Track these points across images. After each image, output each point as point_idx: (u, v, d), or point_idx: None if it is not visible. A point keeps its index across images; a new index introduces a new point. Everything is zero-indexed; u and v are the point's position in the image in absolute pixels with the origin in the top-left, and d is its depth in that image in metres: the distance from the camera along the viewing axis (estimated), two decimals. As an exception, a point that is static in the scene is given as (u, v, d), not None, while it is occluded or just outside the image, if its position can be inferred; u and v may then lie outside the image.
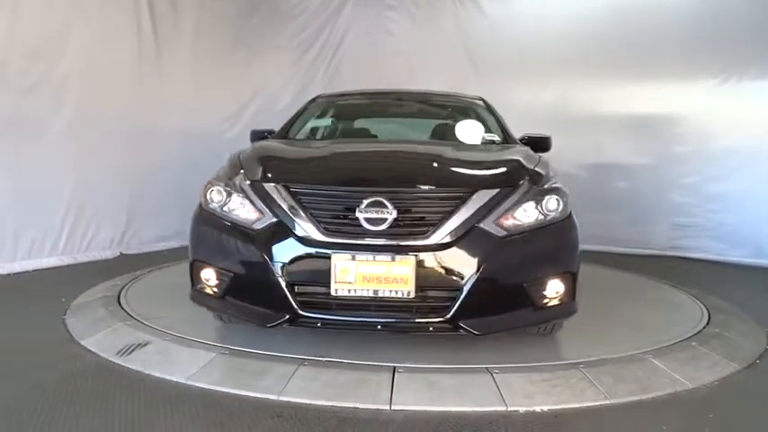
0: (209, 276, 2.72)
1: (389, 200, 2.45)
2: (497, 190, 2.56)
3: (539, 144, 3.64)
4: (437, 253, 2.42)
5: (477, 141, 3.69)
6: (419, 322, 2.50)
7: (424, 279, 2.42)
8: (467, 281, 2.40)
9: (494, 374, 2.50)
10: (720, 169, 5.77)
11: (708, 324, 3.38)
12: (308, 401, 2.30)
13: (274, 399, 2.32)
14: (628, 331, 3.21)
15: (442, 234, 2.43)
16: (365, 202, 2.44)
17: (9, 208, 4.53)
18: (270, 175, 2.71)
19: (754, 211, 5.60)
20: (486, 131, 3.86)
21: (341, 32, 7.45)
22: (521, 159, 2.96)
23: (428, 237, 2.43)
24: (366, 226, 2.44)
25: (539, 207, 2.58)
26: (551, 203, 2.60)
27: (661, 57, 5.88)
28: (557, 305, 2.58)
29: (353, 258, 2.41)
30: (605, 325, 3.35)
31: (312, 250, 2.46)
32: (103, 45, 5.10)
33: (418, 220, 2.48)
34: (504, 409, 2.28)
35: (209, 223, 2.74)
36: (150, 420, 2.13)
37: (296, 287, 2.51)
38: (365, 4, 7.41)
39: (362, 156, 3.13)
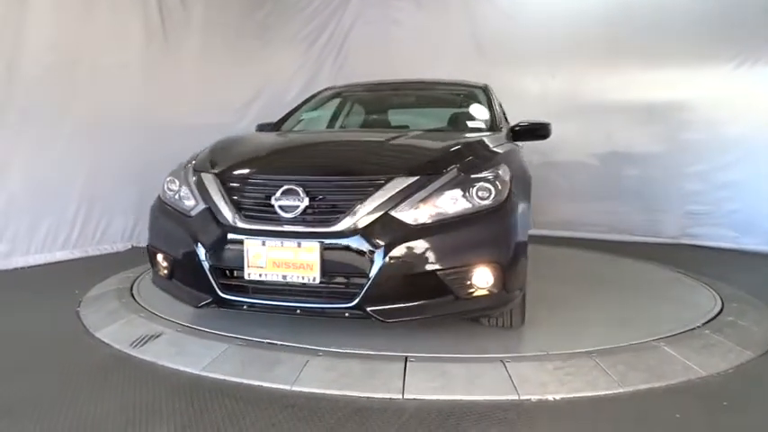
0: (161, 260, 2.88)
1: (303, 188, 2.51)
2: (416, 178, 2.52)
3: (535, 131, 3.59)
4: (344, 240, 2.42)
5: (460, 127, 3.74)
6: (330, 308, 2.51)
7: (330, 265, 2.44)
8: (373, 268, 2.38)
9: (506, 364, 2.50)
10: (733, 156, 5.70)
11: (721, 312, 3.36)
12: (321, 391, 2.32)
13: (288, 389, 2.34)
14: (640, 319, 3.20)
15: (350, 221, 2.44)
16: (280, 190, 2.52)
17: (23, 202, 4.58)
18: (208, 166, 2.85)
19: (767, 198, 5.54)
20: (473, 119, 3.85)
21: (348, 22, 7.42)
22: (462, 147, 2.90)
23: (336, 224, 2.44)
24: (280, 213, 2.51)
25: (467, 195, 2.52)
26: (482, 191, 2.53)
27: (673, 42, 5.80)
28: (484, 296, 2.50)
29: (264, 244, 2.47)
30: (618, 313, 3.34)
31: (230, 236, 2.54)
32: (113, 40, 5.12)
33: (329, 208, 2.51)
34: (516, 397, 2.28)
35: (161, 211, 2.93)
36: (165, 411, 2.15)
37: (217, 271, 2.60)
38: (372, -6, 7.38)
39: (292, 146, 3.15)
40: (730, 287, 3.96)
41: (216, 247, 2.58)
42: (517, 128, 3.60)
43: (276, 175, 2.65)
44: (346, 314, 2.49)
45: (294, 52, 7.10)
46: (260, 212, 2.57)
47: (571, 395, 2.31)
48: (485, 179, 2.58)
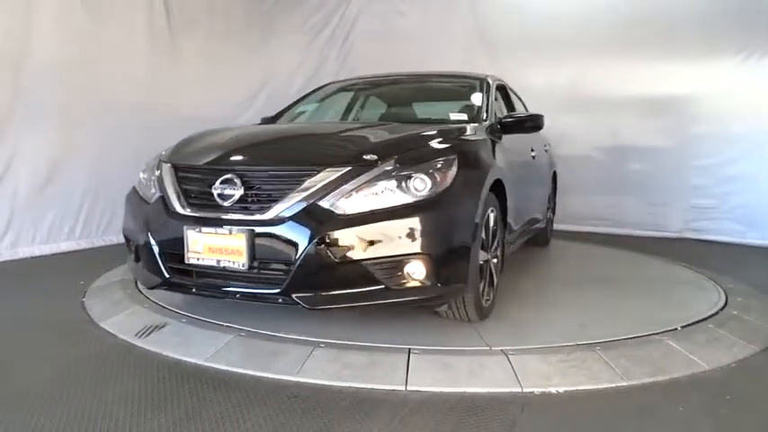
0: (131, 245, 3.04)
1: (240, 178, 2.59)
2: (348, 169, 2.53)
3: (523, 123, 3.52)
4: (271, 228, 2.48)
5: (439, 118, 3.75)
6: (262, 293, 2.56)
7: (258, 252, 2.51)
8: (298, 256, 2.43)
9: (509, 356, 2.50)
10: (738, 150, 5.69)
11: (725, 306, 3.36)
12: (324, 382, 2.33)
13: (291, 379, 2.35)
14: (644, 313, 3.19)
15: (278, 210, 2.49)
16: (219, 179, 2.62)
17: (28, 193, 4.61)
18: (169, 156, 2.99)
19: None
20: (457, 110, 3.85)
21: (353, 14, 7.41)
22: (410, 138, 2.91)
23: (266, 212, 2.51)
24: (219, 201, 2.61)
25: (402, 186, 2.52)
26: (417, 183, 2.53)
27: (679, 35, 5.78)
28: (417, 287, 2.50)
29: (200, 231, 2.59)
30: (621, 307, 3.35)
31: (176, 222, 2.67)
32: (117, 33, 5.14)
33: (262, 197, 2.58)
34: (519, 390, 2.29)
35: (132, 199, 3.07)
36: (169, 401, 2.16)
37: (166, 255, 2.73)
38: (377, -15, 7.36)
39: (245, 138, 3.19)
40: (734, 281, 3.96)
41: (164, 233, 2.72)
42: (504, 120, 3.56)
43: (218, 166, 2.74)
44: (279, 300, 2.52)
45: (299, 43, 7.09)
46: (202, 200, 2.68)
47: (574, 388, 2.31)
48: (423, 171, 2.57)
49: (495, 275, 3.11)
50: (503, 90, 4.32)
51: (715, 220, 5.85)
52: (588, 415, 2.15)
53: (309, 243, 2.42)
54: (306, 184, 2.51)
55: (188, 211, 2.68)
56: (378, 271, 2.46)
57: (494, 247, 3.05)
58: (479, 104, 3.74)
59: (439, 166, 2.62)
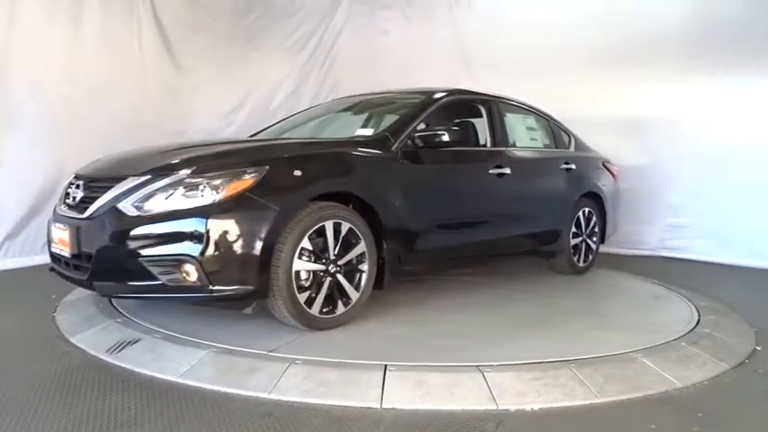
0: None
1: (84, 185, 3.09)
2: (147, 177, 2.84)
3: (436, 138, 3.46)
4: (84, 224, 2.91)
5: (344, 136, 3.95)
6: (83, 280, 2.91)
7: (77, 245, 2.93)
8: (96, 249, 2.84)
9: (484, 373, 2.49)
10: (712, 169, 5.78)
11: (698, 324, 3.40)
12: (298, 400, 2.30)
13: (265, 397, 2.32)
14: (618, 330, 3.22)
15: (90, 210, 2.91)
16: (74, 185, 3.16)
17: (3, 207, 4.54)
18: (78, 169, 3.40)
19: (747, 211, 5.61)
20: (367, 127, 4.00)
21: (336, 31, 7.43)
22: (222, 151, 3.22)
23: (84, 212, 2.94)
24: (70, 202, 3.12)
25: (190, 193, 2.75)
26: (201, 191, 2.74)
27: (656, 55, 5.88)
28: (190, 286, 2.71)
29: (55, 225, 3.13)
30: (596, 324, 3.37)
31: (53, 218, 3.23)
32: (103, 46, 5.15)
33: (88, 200, 2.98)
34: (494, 407, 2.29)
35: None
36: (140, 419, 2.13)
37: (50, 244, 3.24)
38: (360, 3, 7.40)
39: (112, 156, 3.46)
40: (707, 299, 4.01)
41: (49, 227, 3.25)
42: (417, 135, 3.50)
43: (80, 174, 3.23)
44: (92, 286, 2.90)
45: (281, 59, 7.07)
46: (66, 202, 3.17)
47: (549, 405, 2.33)
48: (209, 180, 2.77)
49: (351, 289, 3.06)
50: (485, 105, 4.22)
51: (689, 238, 5.93)
52: (562, 432, 2.16)
53: (102, 239, 2.82)
54: (112, 189, 2.88)
55: (59, 210, 3.20)
56: (154, 268, 2.71)
57: (344, 260, 3.01)
58: (398, 122, 3.68)
59: (230, 177, 2.78)
